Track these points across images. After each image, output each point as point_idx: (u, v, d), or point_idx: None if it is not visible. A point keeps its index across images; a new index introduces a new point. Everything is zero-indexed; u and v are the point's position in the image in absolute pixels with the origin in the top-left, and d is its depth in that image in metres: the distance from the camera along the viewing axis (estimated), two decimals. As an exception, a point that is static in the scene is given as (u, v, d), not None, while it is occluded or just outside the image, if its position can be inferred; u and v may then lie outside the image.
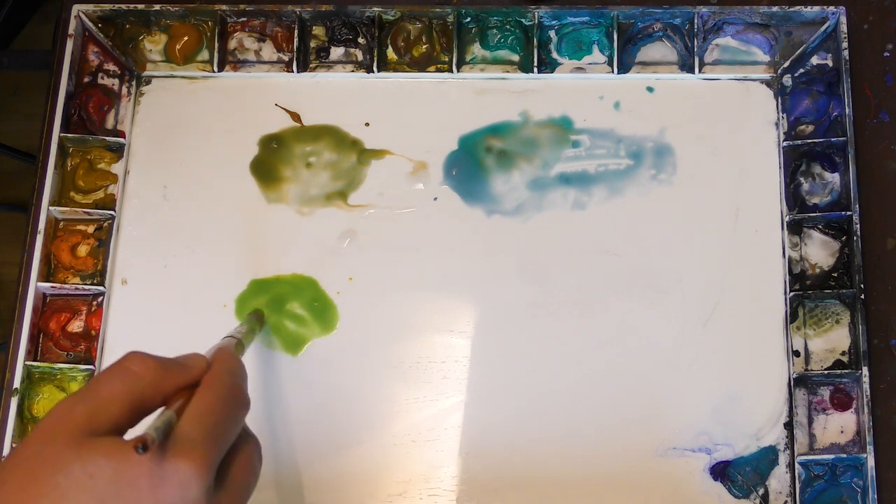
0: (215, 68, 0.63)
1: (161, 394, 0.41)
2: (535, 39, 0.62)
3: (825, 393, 0.57)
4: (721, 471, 0.56)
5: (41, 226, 0.60)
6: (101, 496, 0.37)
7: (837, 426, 0.57)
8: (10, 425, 0.57)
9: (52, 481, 0.37)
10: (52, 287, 0.59)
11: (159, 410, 0.41)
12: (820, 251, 0.59)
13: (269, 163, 0.62)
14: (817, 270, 0.59)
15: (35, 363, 0.58)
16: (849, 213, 0.58)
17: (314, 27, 0.64)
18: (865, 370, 0.56)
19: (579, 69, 0.63)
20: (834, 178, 0.60)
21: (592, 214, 0.60)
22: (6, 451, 0.56)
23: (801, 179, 0.60)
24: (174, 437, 0.39)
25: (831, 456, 0.55)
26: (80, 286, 0.59)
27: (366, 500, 0.56)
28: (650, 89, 0.62)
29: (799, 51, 0.62)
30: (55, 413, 0.39)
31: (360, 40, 0.64)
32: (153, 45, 0.64)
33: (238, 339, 0.52)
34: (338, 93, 0.63)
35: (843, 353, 0.57)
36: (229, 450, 0.41)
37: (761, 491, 0.56)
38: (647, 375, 0.58)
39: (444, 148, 0.62)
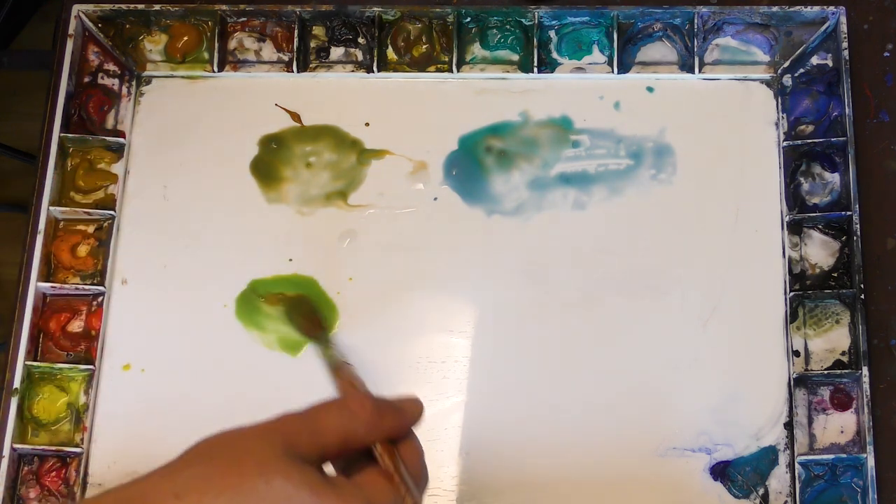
0: (215, 68, 0.63)
1: (373, 435, 0.41)
2: (535, 39, 0.62)
3: (825, 393, 0.57)
4: (721, 471, 0.56)
5: (41, 226, 0.60)
6: None
7: (837, 426, 0.56)
8: (10, 425, 0.57)
9: (253, 482, 0.36)
10: (52, 287, 0.59)
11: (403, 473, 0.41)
12: (820, 251, 0.59)
13: (269, 163, 0.62)
14: (817, 270, 0.59)
15: (35, 363, 0.58)
16: (849, 213, 0.58)
17: (314, 27, 0.64)
18: (865, 370, 0.56)
19: (579, 69, 0.63)
20: (834, 178, 0.60)
21: (592, 214, 0.60)
22: (6, 450, 0.56)
23: (801, 179, 0.60)
24: (370, 499, 0.39)
25: (831, 456, 0.55)
26: (80, 286, 0.59)
27: (366, 500, 0.56)
28: (650, 89, 0.62)
29: (799, 51, 0.62)
30: (280, 422, 0.39)
31: (360, 40, 0.64)
32: (153, 45, 0.64)
33: (348, 361, 0.50)
34: (338, 93, 0.63)
35: (843, 353, 0.57)
36: None
37: (761, 491, 0.56)
38: (647, 375, 0.58)
39: (444, 148, 0.62)
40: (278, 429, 0.39)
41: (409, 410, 0.43)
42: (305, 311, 0.56)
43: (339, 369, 0.47)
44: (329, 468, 0.41)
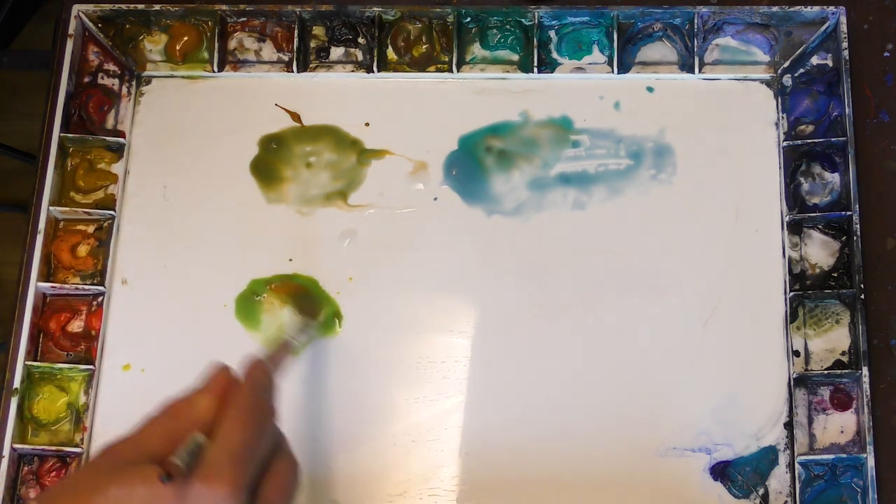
0: (215, 68, 0.63)
1: (195, 422, 0.43)
2: (535, 39, 0.62)
3: (825, 393, 0.57)
4: (721, 471, 0.56)
5: (41, 226, 0.60)
6: None
7: (837, 426, 0.57)
8: (10, 425, 0.57)
9: (91, 501, 0.39)
10: (52, 287, 0.59)
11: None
12: (820, 251, 0.59)
13: (269, 163, 0.62)
14: (817, 270, 0.59)
15: (35, 363, 0.58)
16: (849, 213, 0.58)
17: (314, 27, 0.64)
18: (865, 370, 0.56)
19: (579, 69, 0.63)
20: (834, 178, 0.60)
21: (592, 214, 0.60)
22: (6, 450, 0.56)
23: (801, 179, 0.60)
24: (204, 460, 0.41)
25: (831, 456, 0.55)
26: (80, 286, 0.59)
27: (366, 501, 0.56)
28: (650, 89, 0.62)
29: (799, 51, 0.62)
30: (105, 451, 0.42)
31: (360, 40, 0.64)
32: (153, 45, 0.64)
33: (289, 340, 0.53)
34: (338, 93, 0.63)
35: (843, 353, 0.57)
36: (264, 468, 0.44)
37: (761, 491, 0.56)
38: (646, 376, 0.58)
39: (444, 148, 0.62)
40: (104, 456, 0.42)
41: (212, 380, 0.45)
42: (307, 301, 0.59)
43: (277, 345, 0.52)
44: None
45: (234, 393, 0.44)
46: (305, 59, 0.64)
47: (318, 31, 0.64)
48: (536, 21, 0.62)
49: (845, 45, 0.61)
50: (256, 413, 0.44)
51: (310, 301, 0.59)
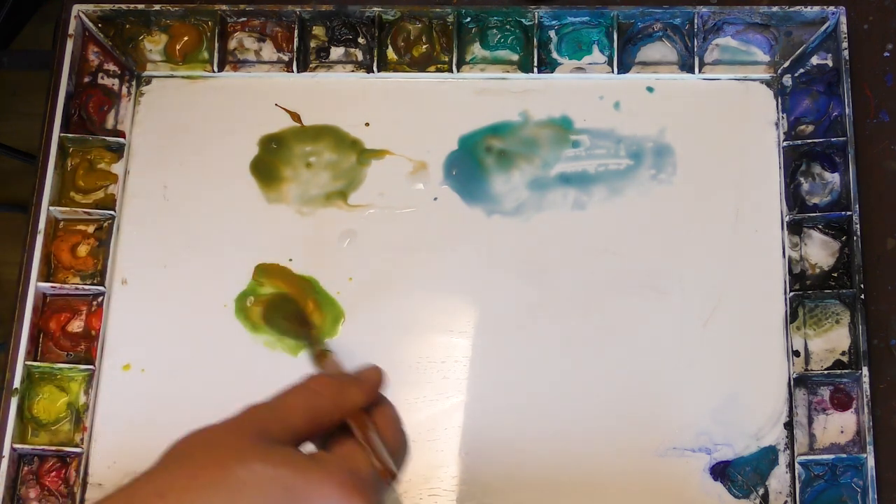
0: (215, 68, 0.63)
1: (339, 409, 0.42)
2: (535, 39, 0.62)
3: (825, 393, 0.57)
4: (721, 471, 0.56)
5: (41, 226, 0.60)
6: (276, 502, 0.38)
7: (837, 426, 0.56)
8: (10, 425, 0.57)
9: (234, 472, 0.38)
10: (52, 287, 0.59)
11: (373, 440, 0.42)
12: (820, 251, 0.59)
13: (269, 163, 0.62)
14: (817, 270, 0.59)
15: (35, 363, 0.58)
16: (849, 213, 0.58)
17: (314, 27, 0.64)
18: (865, 370, 0.56)
19: (579, 69, 0.63)
20: (834, 178, 0.60)
21: (592, 214, 0.60)
22: (6, 450, 0.56)
23: (801, 179, 0.60)
24: (353, 469, 0.40)
25: (831, 456, 0.55)
26: (80, 286, 0.59)
27: (366, 500, 0.56)
28: (650, 89, 0.62)
29: (799, 51, 0.62)
30: (244, 413, 0.41)
31: (360, 40, 0.64)
32: (153, 45, 0.64)
33: (322, 350, 0.51)
34: (338, 93, 0.63)
35: (843, 353, 0.57)
36: None
37: (761, 491, 0.56)
38: (646, 376, 0.58)
39: (444, 148, 0.62)
40: (247, 419, 0.41)
41: (368, 378, 0.45)
42: (289, 313, 0.58)
43: (320, 358, 0.49)
44: (311, 447, 0.43)
45: (383, 408, 0.44)
46: (305, 59, 0.64)
47: (318, 31, 0.64)
48: (536, 21, 0.62)
49: (845, 45, 0.61)
50: (403, 445, 0.44)
51: (292, 308, 0.59)
